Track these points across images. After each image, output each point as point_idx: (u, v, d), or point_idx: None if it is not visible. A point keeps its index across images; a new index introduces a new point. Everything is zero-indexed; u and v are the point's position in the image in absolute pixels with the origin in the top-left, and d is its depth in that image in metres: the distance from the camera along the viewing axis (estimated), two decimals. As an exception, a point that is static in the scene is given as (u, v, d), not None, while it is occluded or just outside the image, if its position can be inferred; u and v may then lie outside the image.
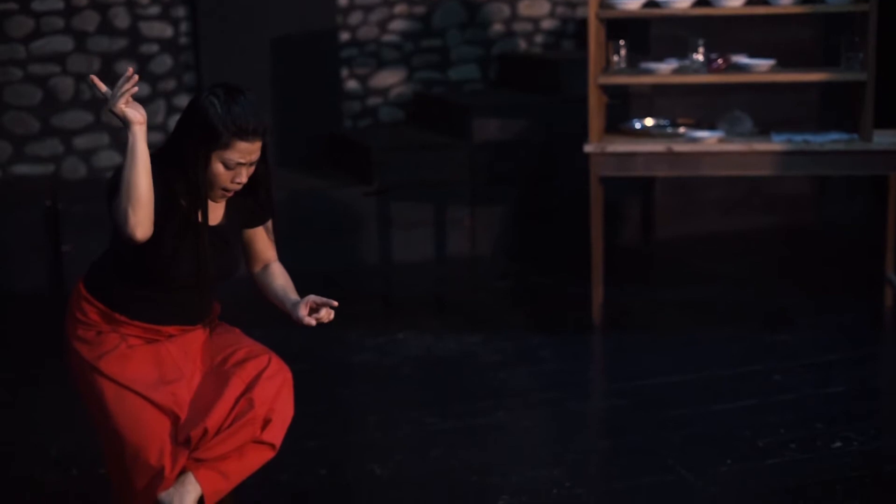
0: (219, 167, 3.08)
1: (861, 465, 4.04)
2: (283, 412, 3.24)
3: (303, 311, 3.22)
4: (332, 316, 3.22)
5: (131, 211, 2.95)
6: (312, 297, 3.28)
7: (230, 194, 3.16)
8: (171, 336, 3.25)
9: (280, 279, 3.36)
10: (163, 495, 3.18)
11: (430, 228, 6.59)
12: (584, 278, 5.59)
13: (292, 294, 3.34)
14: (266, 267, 3.39)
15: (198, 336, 3.28)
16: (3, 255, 6.10)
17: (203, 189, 3.10)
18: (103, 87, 2.99)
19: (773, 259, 6.55)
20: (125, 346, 3.19)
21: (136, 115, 2.97)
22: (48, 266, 6.14)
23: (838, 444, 4.20)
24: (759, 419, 4.41)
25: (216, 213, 3.21)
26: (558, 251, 6.54)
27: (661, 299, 5.90)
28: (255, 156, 3.11)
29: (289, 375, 3.27)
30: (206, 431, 3.14)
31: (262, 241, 3.37)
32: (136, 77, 2.95)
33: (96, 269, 3.27)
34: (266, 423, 3.20)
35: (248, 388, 3.20)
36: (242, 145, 3.07)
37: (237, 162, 3.08)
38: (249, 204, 3.27)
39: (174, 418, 3.15)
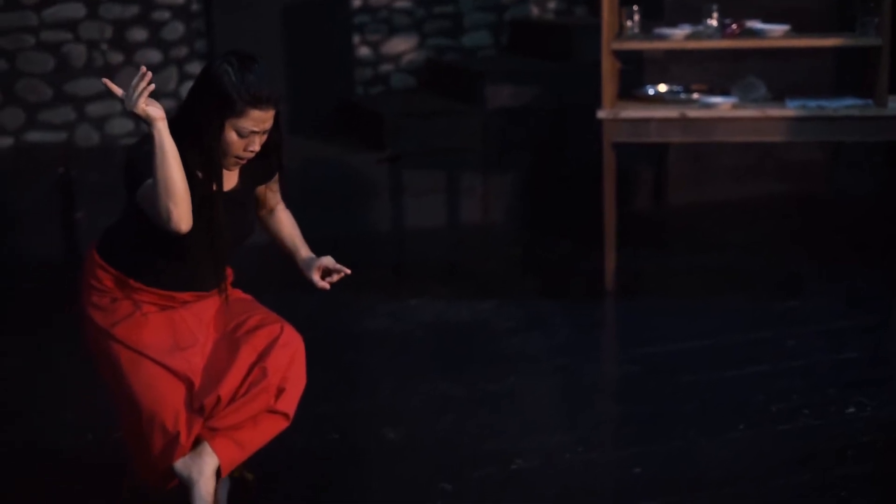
0: (232, 135, 3.07)
1: (874, 430, 4.04)
2: (297, 381, 3.25)
3: (316, 276, 3.32)
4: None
5: (173, 206, 2.93)
6: (325, 262, 3.30)
7: (243, 162, 3.16)
8: (185, 303, 3.26)
9: (287, 227, 3.42)
10: (180, 467, 3.20)
11: (443, 195, 6.59)
12: (596, 245, 5.59)
13: (302, 246, 3.39)
14: (272, 212, 3.44)
15: (212, 303, 3.30)
16: (17, 222, 6.11)
17: (217, 158, 3.09)
18: (118, 90, 2.95)
19: (786, 226, 6.53)
20: (139, 313, 3.20)
21: (158, 112, 2.93)
22: (61, 233, 6.15)
23: (851, 409, 4.20)
24: (771, 385, 4.41)
25: (230, 178, 3.21)
26: (570, 218, 6.54)
27: (674, 266, 5.89)
28: (268, 124, 3.10)
29: (301, 344, 3.28)
30: (219, 399, 3.15)
31: (269, 190, 3.41)
32: (150, 74, 2.92)
33: (110, 236, 3.27)
34: (280, 392, 3.21)
35: (261, 356, 3.21)
36: (256, 113, 3.05)
37: (251, 130, 3.07)
38: (261, 165, 3.26)
39: (189, 384, 3.17)
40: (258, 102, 3.04)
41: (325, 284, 3.33)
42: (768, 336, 4.92)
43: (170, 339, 3.19)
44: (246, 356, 3.21)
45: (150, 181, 2.99)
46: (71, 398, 4.36)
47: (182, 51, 6.97)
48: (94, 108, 6.86)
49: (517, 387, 4.49)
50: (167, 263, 3.19)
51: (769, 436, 4.02)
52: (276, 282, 5.46)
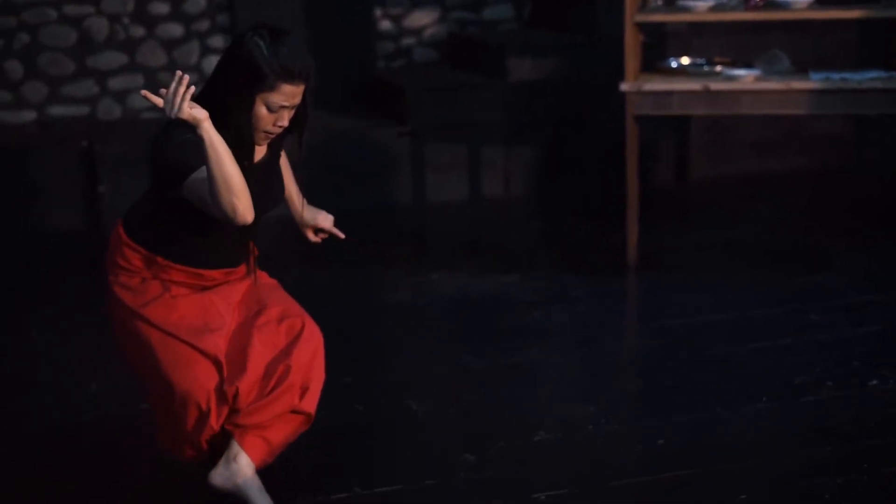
0: (262, 110, 3.03)
1: (897, 403, 4.05)
2: (318, 379, 3.26)
3: (309, 233, 3.49)
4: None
5: (237, 201, 2.91)
6: (322, 222, 3.36)
7: (272, 136, 3.13)
8: (214, 281, 3.25)
9: (286, 174, 3.42)
10: (220, 482, 3.22)
11: (464, 169, 6.58)
12: (618, 219, 5.58)
13: (297, 197, 3.44)
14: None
15: (239, 287, 3.29)
16: (41, 195, 6.15)
17: (249, 133, 3.04)
18: (158, 101, 2.93)
19: (809, 199, 6.50)
20: (169, 295, 3.20)
21: (202, 113, 2.90)
22: (85, 207, 6.18)
23: (874, 381, 4.20)
24: (794, 358, 4.41)
25: (259, 150, 3.19)
26: (592, 192, 6.52)
27: (696, 240, 5.88)
28: (298, 99, 3.06)
29: (321, 340, 3.27)
30: (237, 392, 3.15)
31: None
32: (187, 78, 2.89)
33: (136, 213, 3.25)
34: (304, 391, 3.21)
35: (285, 352, 3.20)
36: (287, 88, 3.01)
37: (280, 105, 3.02)
38: (285, 136, 3.24)
39: (219, 366, 3.16)
40: (290, 76, 3.00)
41: (316, 239, 3.44)
42: (791, 310, 4.90)
43: (200, 321, 3.18)
44: (265, 350, 3.19)
45: (197, 175, 2.96)
46: (95, 370, 4.38)
47: (204, 24, 6.97)
48: (116, 82, 6.88)
49: (539, 359, 4.50)
50: (196, 239, 3.18)
51: (791, 408, 4.02)
52: (299, 257, 5.48)
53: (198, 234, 3.17)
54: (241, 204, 2.92)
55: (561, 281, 5.32)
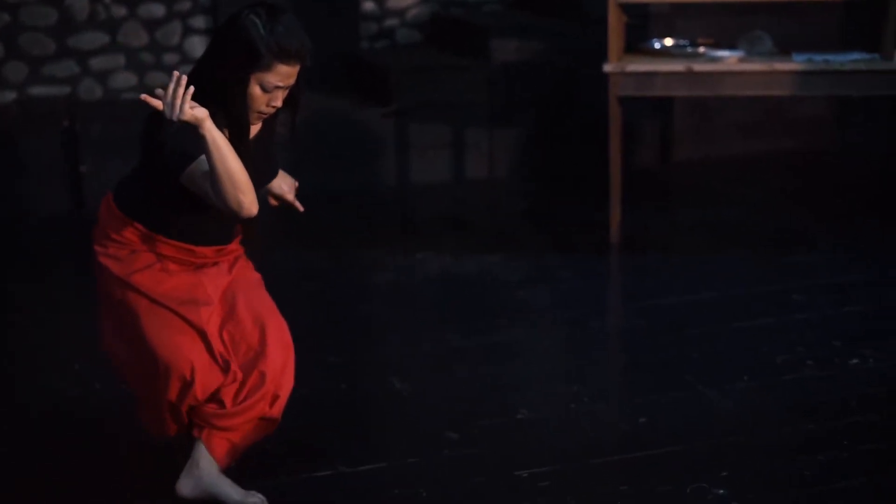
0: (256, 90, 2.99)
1: (877, 381, 4.07)
2: (288, 386, 3.24)
3: (271, 200, 3.45)
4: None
5: (243, 196, 2.91)
6: (286, 192, 3.38)
7: (265, 116, 3.10)
8: (205, 258, 3.23)
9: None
10: (188, 491, 3.24)
11: (449, 150, 6.58)
12: (602, 200, 5.59)
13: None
14: None
15: (226, 276, 3.26)
16: (23, 175, 6.12)
17: (244, 115, 3.01)
18: (158, 103, 2.89)
19: (793, 182, 6.53)
20: (159, 266, 3.18)
21: (202, 112, 2.87)
22: (67, 187, 6.16)
23: (855, 361, 4.22)
24: (777, 337, 4.43)
25: (254, 127, 3.15)
26: (576, 173, 6.53)
27: (680, 220, 5.90)
28: (293, 80, 3.02)
29: (292, 347, 3.24)
30: (231, 369, 3.17)
31: None
32: (185, 78, 2.86)
33: (127, 189, 3.22)
34: (274, 399, 3.21)
35: (259, 354, 3.17)
36: (283, 68, 2.98)
37: (275, 85, 2.99)
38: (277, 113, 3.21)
39: (204, 337, 3.15)
40: (286, 57, 2.96)
41: (274, 203, 3.45)
42: (774, 289, 4.93)
43: (188, 294, 3.17)
44: (239, 348, 3.18)
45: (197, 168, 2.94)
46: (78, 348, 4.37)
47: (186, 4, 6.94)
48: (97, 62, 6.84)
49: (523, 338, 4.51)
50: (189, 217, 3.15)
51: (773, 386, 4.05)
52: (285, 236, 5.48)
53: (190, 213, 3.14)
54: (247, 199, 2.92)
55: (545, 261, 5.34)
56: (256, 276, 3.37)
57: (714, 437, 3.70)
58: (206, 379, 3.16)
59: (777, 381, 4.08)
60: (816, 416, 3.82)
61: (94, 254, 3.25)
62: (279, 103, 3.05)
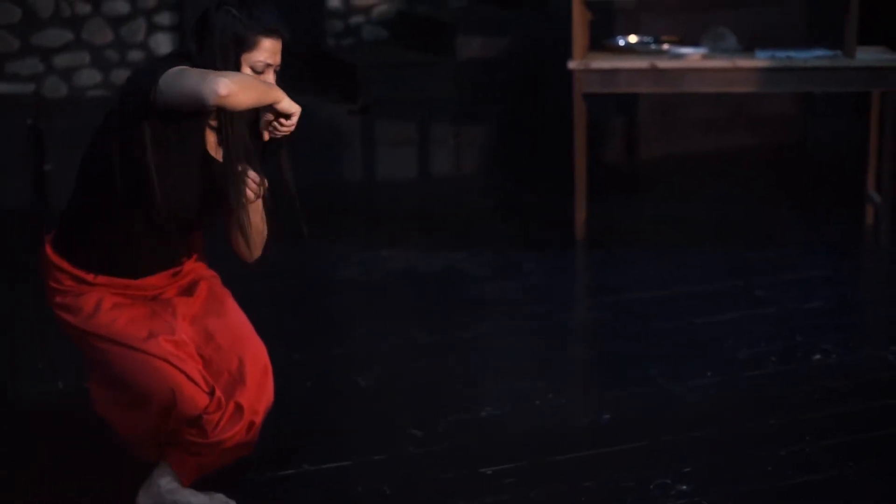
0: (248, 72, 2.98)
1: (838, 376, 4.10)
2: (267, 405, 3.20)
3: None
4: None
5: (256, 251, 3.19)
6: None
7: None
8: (155, 289, 3.17)
9: None
10: (142, 502, 3.21)
11: (415, 146, 6.58)
12: (568, 195, 5.60)
13: None
14: None
15: (190, 302, 3.19)
16: (-14, 173, 6.08)
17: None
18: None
19: (757, 177, 6.57)
20: (109, 304, 3.10)
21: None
22: (31, 184, 6.12)
23: (818, 356, 4.26)
24: (740, 332, 4.46)
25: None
26: (543, 168, 6.55)
27: (645, 216, 5.93)
28: (279, 58, 3.02)
29: (269, 365, 3.19)
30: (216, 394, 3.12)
31: None
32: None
33: (64, 226, 3.14)
34: (251, 426, 3.16)
35: (236, 380, 3.12)
36: (267, 43, 2.99)
37: (265, 63, 2.99)
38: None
39: (175, 364, 3.05)
40: (268, 31, 2.99)
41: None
42: (738, 284, 4.96)
43: (145, 329, 3.07)
44: (218, 374, 3.13)
45: (167, 74, 2.86)
46: (40, 347, 4.35)
47: (151, 1, 6.90)
48: (61, 60, 6.80)
49: (489, 334, 4.52)
50: (133, 244, 3.08)
51: (737, 381, 4.07)
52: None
53: (126, 239, 3.08)
54: (257, 252, 3.18)
55: (510, 256, 5.35)
56: (225, 292, 3.28)
57: (678, 432, 3.72)
58: (189, 402, 3.07)
59: (740, 376, 4.11)
60: (779, 411, 3.85)
61: (47, 302, 3.19)
62: (271, 81, 3.02)
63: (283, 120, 3.01)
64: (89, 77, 6.85)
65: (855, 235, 5.57)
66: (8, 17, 6.69)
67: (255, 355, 3.17)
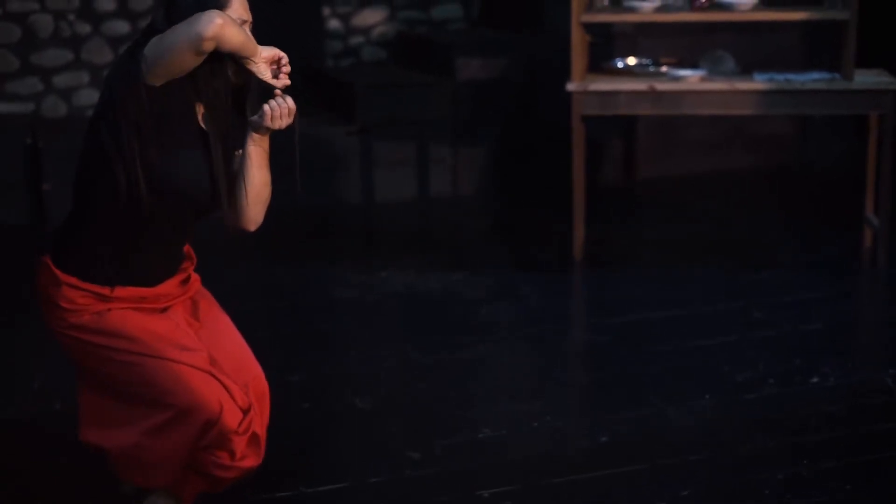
0: None
1: (836, 399, 4.09)
2: (264, 429, 3.15)
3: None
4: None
5: (258, 209, 3.10)
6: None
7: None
8: (167, 299, 3.09)
9: None
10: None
11: (413, 167, 6.59)
12: (566, 216, 5.61)
13: None
14: None
15: (195, 324, 3.13)
16: (-16, 192, 6.08)
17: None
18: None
19: (755, 199, 6.57)
20: (134, 319, 2.99)
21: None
22: (29, 203, 6.12)
23: (815, 379, 4.25)
24: (738, 355, 4.46)
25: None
26: (541, 189, 6.55)
27: (643, 237, 5.93)
28: (249, 15, 2.99)
29: (267, 392, 3.14)
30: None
31: None
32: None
33: (64, 244, 3.02)
34: (260, 451, 3.13)
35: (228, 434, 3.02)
36: (236, 2, 2.94)
37: (241, 20, 2.94)
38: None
39: (215, 377, 3.01)
40: None
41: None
42: (736, 306, 4.96)
43: (176, 340, 3.00)
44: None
45: (150, 45, 2.83)
46: (37, 367, 4.34)
47: (151, 21, 6.91)
48: (60, 79, 6.81)
49: (486, 356, 4.52)
50: (137, 252, 3.00)
51: (734, 404, 4.06)
52: (248, 252, 5.46)
53: (136, 245, 2.99)
54: (259, 219, 3.09)
55: (509, 277, 5.35)
56: (221, 313, 3.22)
57: (675, 455, 3.71)
58: (231, 415, 3.00)
59: (738, 399, 4.10)
60: (777, 434, 3.84)
61: (53, 333, 3.04)
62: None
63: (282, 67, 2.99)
64: (88, 97, 6.86)
65: (853, 258, 5.57)
66: (8, 36, 6.70)
67: (257, 380, 3.15)
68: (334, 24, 7.26)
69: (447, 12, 7.43)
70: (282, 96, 3.02)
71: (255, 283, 5.23)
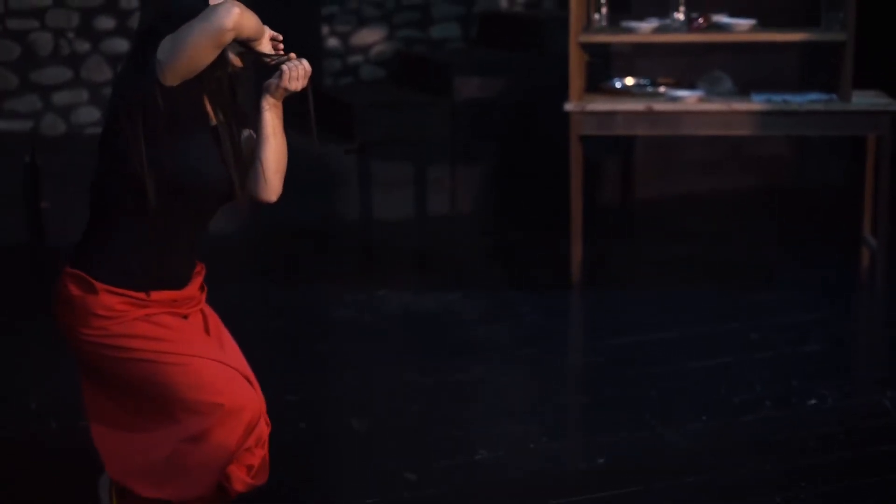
0: None
1: (835, 422, 4.09)
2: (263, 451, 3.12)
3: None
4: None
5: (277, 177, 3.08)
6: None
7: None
8: (190, 302, 3.06)
9: None
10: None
11: (411, 186, 6.60)
12: (564, 236, 5.61)
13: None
14: None
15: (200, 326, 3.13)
16: (-18, 210, 6.08)
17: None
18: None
19: (752, 219, 6.58)
20: (175, 323, 2.98)
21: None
22: (28, 222, 6.12)
23: (813, 401, 4.25)
24: (735, 376, 4.45)
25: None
26: (539, 209, 6.56)
27: (641, 257, 5.93)
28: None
29: (264, 409, 3.08)
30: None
31: None
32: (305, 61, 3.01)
33: (91, 254, 2.97)
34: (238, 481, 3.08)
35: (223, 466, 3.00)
36: None
37: None
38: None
39: (251, 383, 3.00)
40: None
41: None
42: (734, 327, 4.95)
43: (214, 346, 3.02)
44: None
45: (161, 47, 2.81)
46: (34, 386, 4.34)
47: (150, 40, 6.92)
48: (60, 97, 6.82)
49: (483, 376, 4.51)
50: (159, 254, 2.96)
51: (732, 427, 4.06)
52: (246, 271, 5.47)
53: (163, 246, 2.96)
54: (278, 190, 3.08)
55: (506, 297, 5.35)
56: (224, 332, 3.18)
57: (673, 477, 3.70)
58: (263, 422, 3.01)
59: (735, 421, 4.09)
60: (774, 457, 3.83)
61: (76, 341, 2.98)
62: None
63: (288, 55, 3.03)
64: (88, 115, 6.87)
65: (851, 279, 5.58)
66: (7, 54, 6.72)
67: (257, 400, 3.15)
68: (333, 42, 7.28)
69: (446, 32, 7.45)
70: (296, 59, 3.03)
71: (252, 301, 5.22)
